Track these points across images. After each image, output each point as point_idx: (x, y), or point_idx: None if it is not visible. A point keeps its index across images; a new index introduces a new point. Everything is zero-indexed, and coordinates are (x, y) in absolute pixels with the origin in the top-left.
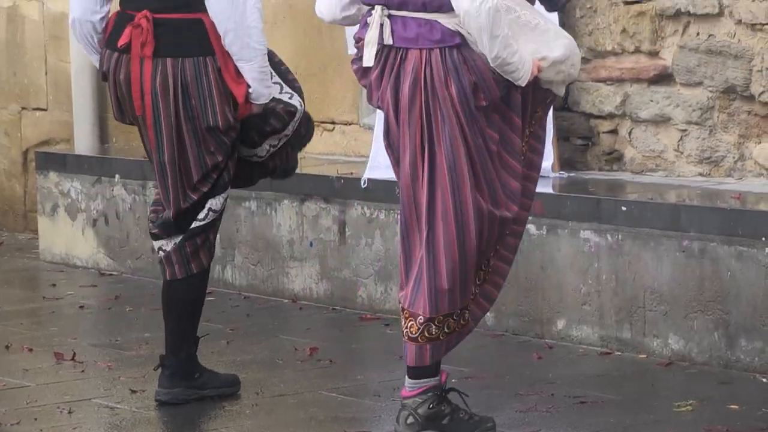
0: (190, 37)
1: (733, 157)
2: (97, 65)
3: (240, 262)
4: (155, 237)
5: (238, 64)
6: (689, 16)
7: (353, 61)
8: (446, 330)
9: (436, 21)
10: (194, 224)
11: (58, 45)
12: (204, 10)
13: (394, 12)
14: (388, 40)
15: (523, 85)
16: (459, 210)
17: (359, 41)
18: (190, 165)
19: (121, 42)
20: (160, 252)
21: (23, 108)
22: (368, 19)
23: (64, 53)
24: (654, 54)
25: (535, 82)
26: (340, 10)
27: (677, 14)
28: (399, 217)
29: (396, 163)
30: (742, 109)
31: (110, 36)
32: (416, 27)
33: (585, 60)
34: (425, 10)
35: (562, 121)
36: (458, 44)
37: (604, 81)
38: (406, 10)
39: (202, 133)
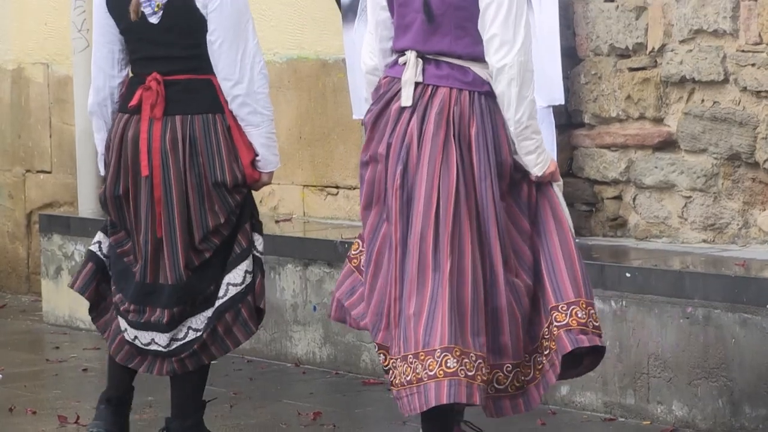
0: (199, 95)
1: (738, 224)
2: (101, 145)
3: None
4: (134, 324)
5: (246, 130)
6: (694, 83)
7: (367, 114)
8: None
9: (469, 67)
10: (217, 302)
11: (63, 108)
12: (213, 71)
13: (429, 56)
14: (419, 77)
15: (538, 174)
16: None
17: (379, 87)
18: (193, 225)
19: (132, 103)
20: (153, 345)
21: (27, 170)
22: (400, 59)
23: (69, 116)
24: (659, 121)
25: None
26: (382, 57)
27: (682, 81)
28: (387, 258)
29: (374, 204)
30: (747, 176)
31: (122, 100)
32: (448, 68)
33: (589, 126)
34: (460, 58)
35: (566, 186)
36: (488, 91)
37: (608, 147)
38: (442, 56)
39: (207, 190)
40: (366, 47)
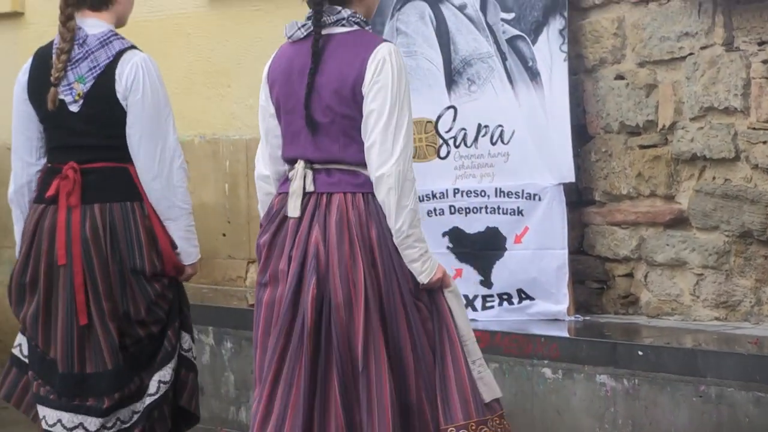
0: (116, 183)
1: (750, 302)
2: (19, 236)
3: None
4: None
5: (165, 223)
6: (705, 161)
7: (259, 237)
8: None
9: (359, 171)
10: (147, 400)
11: None
12: (130, 160)
13: (318, 165)
14: (310, 187)
15: (424, 281)
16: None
17: (272, 207)
18: (119, 311)
19: (49, 193)
20: (79, 429)
21: None
22: (290, 173)
23: None
24: (670, 198)
25: None
26: (273, 164)
27: (693, 159)
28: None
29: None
30: (759, 253)
31: (38, 190)
32: (339, 174)
33: (600, 203)
34: (350, 165)
35: (577, 264)
36: None
37: (619, 225)
38: (331, 164)
39: (128, 278)
40: (258, 154)
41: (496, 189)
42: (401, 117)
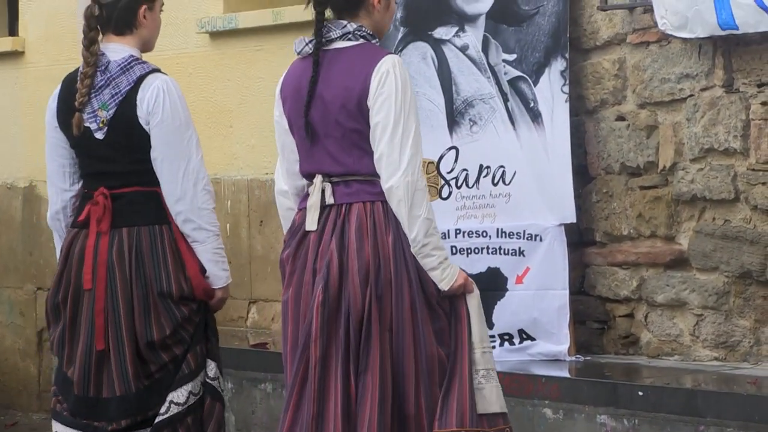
0: (145, 207)
1: (749, 342)
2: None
3: None
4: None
5: (193, 246)
6: (705, 202)
7: (282, 252)
8: None
9: (376, 180)
10: (157, 419)
11: None
12: (159, 184)
13: (335, 178)
14: (330, 200)
15: (445, 288)
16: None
17: (294, 222)
18: (137, 336)
19: (81, 218)
20: None
21: (38, 288)
22: (309, 188)
23: None
24: (670, 239)
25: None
26: (290, 179)
27: (693, 199)
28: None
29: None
30: (758, 294)
31: (74, 215)
32: (357, 185)
33: (601, 244)
34: (365, 175)
35: (578, 304)
36: None
37: (620, 265)
38: (348, 176)
39: (153, 301)
40: (277, 169)
41: (497, 229)
42: (407, 128)
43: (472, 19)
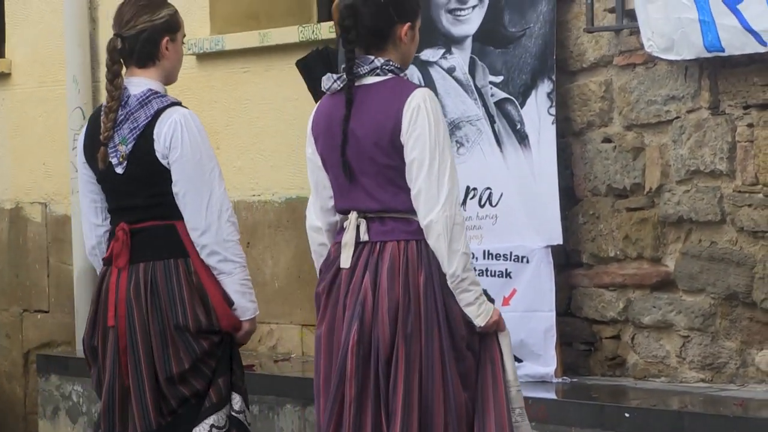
0: (162, 241)
1: (736, 364)
2: None
3: None
4: None
5: (219, 278)
6: (691, 223)
7: (317, 285)
8: None
9: (412, 218)
10: None
11: (61, 247)
12: (180, 217)
13: (371, 214)
14: (364, 237)
15: (480, 324)
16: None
17: (329, 255)
18: (157, 371)
19: (106, 255)
20: None
21: (25, 310)
22: (344, 223)
23: (67, 256)
24: (656, 260)
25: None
26: (324, 215)
27: (679, 221)
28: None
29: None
30: (744, 315)
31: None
32: (392, 222)
33: (587, 266)
34: (401, 212)
35: (565, 326)
36: None
37: (606, 287)
38: (383, 212)
39: (171, 335)
40: (310, 205)
41: (484, 251)
42: (443, 162)
43: (458, 41)
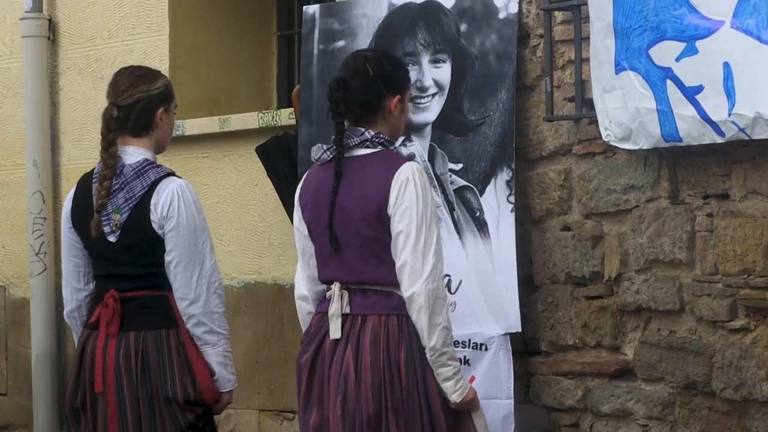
0: (153, 311)
1: None
2: None
3: None
4: None
5: (203, 349)
6: (650, 312)
7: (299, 356)
8: None
9: (393, 292)
10: None
11: (19, 330)
12: (170, 288)
13: (353, 286)
14: (346, 309)
15: (456, 401)
16: None
17: (311, 326)
18: None
19: (91, 320)
20: None
21: None
22: (328, 294)
23: (25, 339)
24: (615, 349)
25: None
26: (311, 284)
27: (638, 310)
28: None
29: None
30: (703, 405)
31: (87, 316)
32: (374, 295)
33: (546, 354)
34: (383, 285)
35: (523, 413)
36: None
37: (565, 375)
38: (365, 284)
39: (159, 406)
40: (297, 274)
41: None
42: (429, 236)
43: (418, 128)
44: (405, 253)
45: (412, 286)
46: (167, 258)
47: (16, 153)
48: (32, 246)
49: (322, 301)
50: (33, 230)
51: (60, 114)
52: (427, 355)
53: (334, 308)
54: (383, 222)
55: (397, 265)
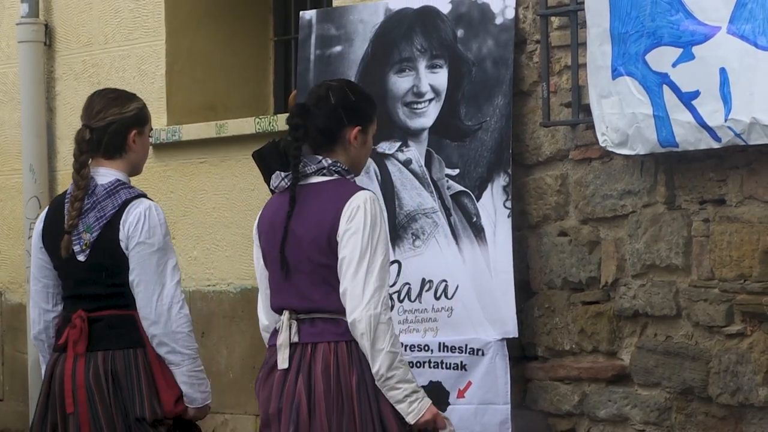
0: (121, 331)
1: None
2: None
3: None
4: None
5: (170, 368)
6: (647, 317)
7: (257, 381)
8: None
9: (341, 318)
10: None
11: (15, 336)
12: (136, 307)
13: (302, 315)
14: (294, 338)
15: (411, 422)
16: None
17: (266, 357)
18: None
19: (60, 341)
20: None
21: None
22: (277, 325)
23: (22, 344)
24: (612, 354)
25: None
26: (269, 314)
27: (635, 315)
28: None
29: None
30: (700, 410)
31: (55, 338)
32: (322, 323)
33: (543, 359)
34: (330, 313)
35: (519, 419)
36: None
37: (562, 380)
38: (314, 312)
39: (135, 427)
40: (258, 305)
41: (439, 344)
42: (372, 262)
43: (415, 133)
44: (347, 278)
45: (353, 312)
46: (130, 277)
47: (12, 158)
48: (28, 251)
49: (273, 334)
50: (29, 235)
51: (56, 119)
52: (375, 380)
53: (282, 338)
54: (333, 248)
55: (341, 290)
